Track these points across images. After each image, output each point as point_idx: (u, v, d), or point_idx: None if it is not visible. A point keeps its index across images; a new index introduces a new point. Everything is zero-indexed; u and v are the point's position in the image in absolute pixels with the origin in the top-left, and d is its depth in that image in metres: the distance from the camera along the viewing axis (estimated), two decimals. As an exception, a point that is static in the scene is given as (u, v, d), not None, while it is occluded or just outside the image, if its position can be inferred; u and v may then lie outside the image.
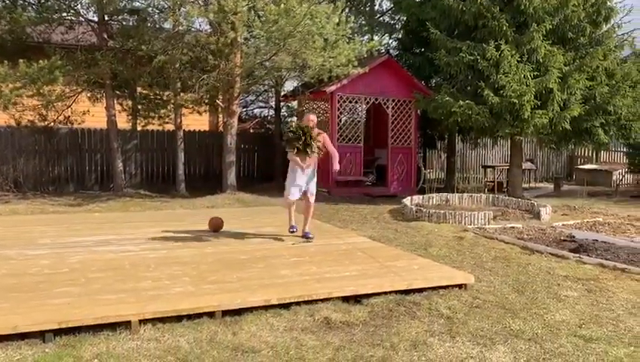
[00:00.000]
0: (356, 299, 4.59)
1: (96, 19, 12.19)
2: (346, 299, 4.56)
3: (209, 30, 12.00)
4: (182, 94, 12.61)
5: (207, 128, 16.50)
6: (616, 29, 12.28)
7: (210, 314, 4.11)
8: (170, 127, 13.50)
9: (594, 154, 19.79)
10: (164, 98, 13.19)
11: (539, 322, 4.22)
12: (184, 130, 13.28)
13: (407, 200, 10.31)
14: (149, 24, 11.96)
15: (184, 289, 4.54)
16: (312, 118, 6.71)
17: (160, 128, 13.92)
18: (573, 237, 7.80)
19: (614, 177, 16.89)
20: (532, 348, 3.70)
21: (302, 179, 6.70)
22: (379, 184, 14.03)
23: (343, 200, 11.90)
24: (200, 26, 12.16)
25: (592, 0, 11.88)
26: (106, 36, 12.12)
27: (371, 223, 8.96)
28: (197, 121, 14.77)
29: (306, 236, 6.77)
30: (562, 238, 7.73)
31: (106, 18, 12.19)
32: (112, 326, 3.83)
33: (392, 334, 3.89)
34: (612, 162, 19.01)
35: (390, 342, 3.73)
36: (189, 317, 4.06)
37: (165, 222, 8.23)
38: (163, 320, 3.98)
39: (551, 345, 3.74)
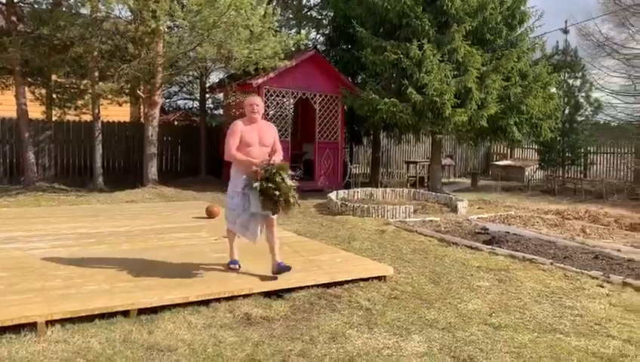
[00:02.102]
0: (278, 293, 4.58)
1: (3, 0, 11.38)
2: (268, 294, 4.53)
3: (129, 18, 11.53)
4: (100, 84, 12.02)
5: (128, 119, 15.89)
6: (529, 32, 13.01)
7: (125, 313, 3.96)
8: (88, 117, 12.88)
9: (508, 151, 20.90)
10: (82, 87, 12.58)
11: (452, 311, 4.39)
12: (103, 121, 12.72)
13: (332, 195, 10.42)
14: (64, 8, 11.31)
15: (98, 288, 4.34)
16: (257, 102, 4.87)
17: (77, 119, 13.25)
18: (487, 229, 8.19)
19: (526, 173, 17.92)
20: (445, 336, 3.84)
21: (254, 196, 4.66)
22: (306, 178, 14.08)
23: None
24: (120, 12, 11.65)
25: (508, 3, 12.52)
26: (15, 19, 11.34)
27: (297, 217, 8.97)
28: (117, 112, 14.19)
29: (279, 268, 4.82)
30: (477, 231, 8.10)
31: (15, 0, 11.40)
32: (17, 329, 3.59)
33: (311, 327, 3.91)
34: (525, 159, 20.16)
35: (310, 336, 3.75)
36: (103, 316, 3.88)
37: (80, 218, 7.85)
38: (73, 320, 3.79)
39: (463, 334, 3.90)
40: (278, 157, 4.87)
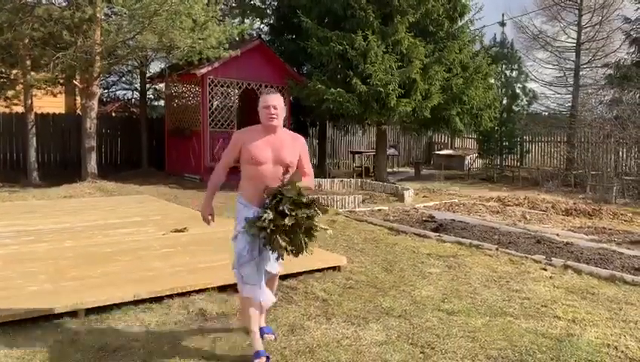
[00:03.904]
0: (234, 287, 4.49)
1: None
2: (222, 289, 4.43)
3: (64, 4, 10.95)
4: (33, 73, 11.38)
5: (63, 111, 15.17)
6: (469, 24, 13.38)
7: (72, 314, 3.77)
8: (20, 109, 12.18)
9: (449, 141, 21.49)
10: (12, 77, 11.85)
11: (407, 299, 4.46)
12: (36, 112, 12.06)
13: (280, 186, 10.35)
14: (-11, -8, 10.59)
15: (40, 288, 4.11)
16: (275, 103, 3.37)
17: (7, 110, 12.51)
18: (434, 217, 8.38)
19: (467, 161, 18.50)
20: (402, 324, 3.89)
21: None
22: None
23: (216, 187, 11.63)
24: (53, -3, 11.05)
25: (449, -3, 12.81)
26: None
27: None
28: (51, 103, 13.50)
29: (262, 331, 3.52)
30: (424, 219, 8.28)
31: None
32: (-48, 336, 3.35)
33: (269, 321, 3.86)
34: (465, 148, 20.81)
35: (268, 329, 3.70)
36: (48, 318, 3.68)
37: (15, 215, 7.42)
38: (16, 324, 3.57)
39: (418, 320, 3.97)
40: (305, 183, 3.31)
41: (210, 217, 3.46)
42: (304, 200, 3.15)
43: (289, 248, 3.15)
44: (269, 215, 3.08)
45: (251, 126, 3.47)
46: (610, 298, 4.60)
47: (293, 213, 3.08)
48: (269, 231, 3.08)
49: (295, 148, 3.43)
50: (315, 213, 3.17)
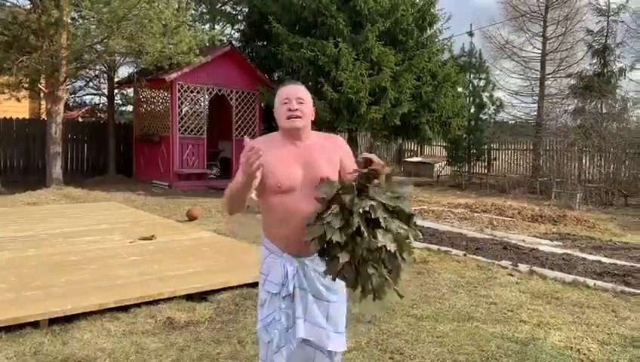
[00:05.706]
0: (202, 296, 4.45)
1: None
2: (190, 297, 4.38)
3: (29, 7, 10.72)
4: (-5, 77, 11.11)
5: (27, 116, 14.81)
6: (438, 34, 13.61)
7: (35, 324, 3.67)
8: (-19, 113, 11.85)
9: (419, 148, 21.76)
10: (-27, 80, 11.53)
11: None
12: (-1, 117, 11.75)
13: (252, 194, 10.28)
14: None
15: (2, 298, 3.99)
16: (301, 94, 2.23)
17: (-32, 115, 12.17)
18: (404, 224, 8.43)
19: (435, 169, 18.74)
20: (372, 330, 3.91)
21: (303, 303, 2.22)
22: (223, 177, 13.84)
23: (186, 193, 11.53)
24: (17, 0, 10.81)
25: (419, 6, 13.01)
26: None
27: (216, 217, 8.78)
28: (15, 108, 13.17)
29: None
30: (395, 226, 8.32)
31: None
32: None
33: (239, 329, 3.83)
34: (434, 155, 21.08)
35: (237, 338, 3.67)
36: (9, 329, 3.58)
37: (-24, 223, 7.19)
38: (-26, 335, 3.46)
39: (388, 326, 3.99)
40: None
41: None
42: (406, 209, 1.98)
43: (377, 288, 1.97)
44: (360, 225, 1.88)
45: (265, 135, 2.38)
46: (573, 302, 4.71)
47: (389, 227, 1.93)
48: (361, 256, 1.90)
49: (332, 153, 2.28)
50: (415, 233, 2.02)
